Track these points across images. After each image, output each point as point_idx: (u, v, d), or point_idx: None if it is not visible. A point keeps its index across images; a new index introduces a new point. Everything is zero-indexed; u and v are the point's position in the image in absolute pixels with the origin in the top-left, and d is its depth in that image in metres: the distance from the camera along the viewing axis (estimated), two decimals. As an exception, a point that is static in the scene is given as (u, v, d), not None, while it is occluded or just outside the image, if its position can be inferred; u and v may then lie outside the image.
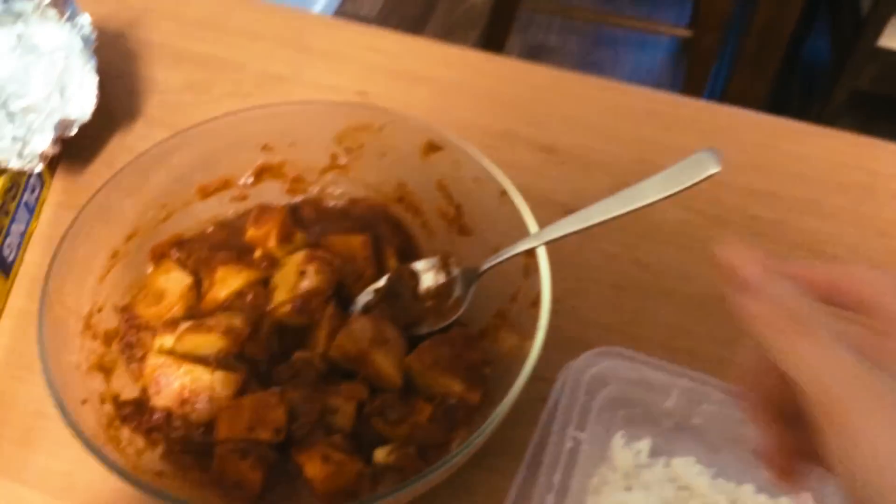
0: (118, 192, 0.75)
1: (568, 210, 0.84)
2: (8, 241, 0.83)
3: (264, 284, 0.75)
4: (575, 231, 0.64)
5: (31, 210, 0.88)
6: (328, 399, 0.67)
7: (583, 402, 0.64)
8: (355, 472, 0.64)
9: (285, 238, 0.77)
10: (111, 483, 0.62)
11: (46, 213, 0.90)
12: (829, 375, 0.34)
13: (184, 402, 0.66)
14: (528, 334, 0.67)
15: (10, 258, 0.84)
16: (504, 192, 0.72)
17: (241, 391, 0.68)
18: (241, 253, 0.76)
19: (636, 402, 0.67)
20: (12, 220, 0.84)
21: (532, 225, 0.70)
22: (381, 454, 0.66)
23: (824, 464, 0.35)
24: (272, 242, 0.76)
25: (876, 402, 0.33)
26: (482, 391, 0.68)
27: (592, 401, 0.65)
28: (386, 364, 0.68)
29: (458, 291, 0.73)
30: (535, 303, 0.67)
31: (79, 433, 0.59)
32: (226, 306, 0.72)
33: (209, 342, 0.69)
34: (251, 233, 0.77)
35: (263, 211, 0.77)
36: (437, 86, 1.03)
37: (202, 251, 0.77)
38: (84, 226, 0.71)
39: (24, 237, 0.87)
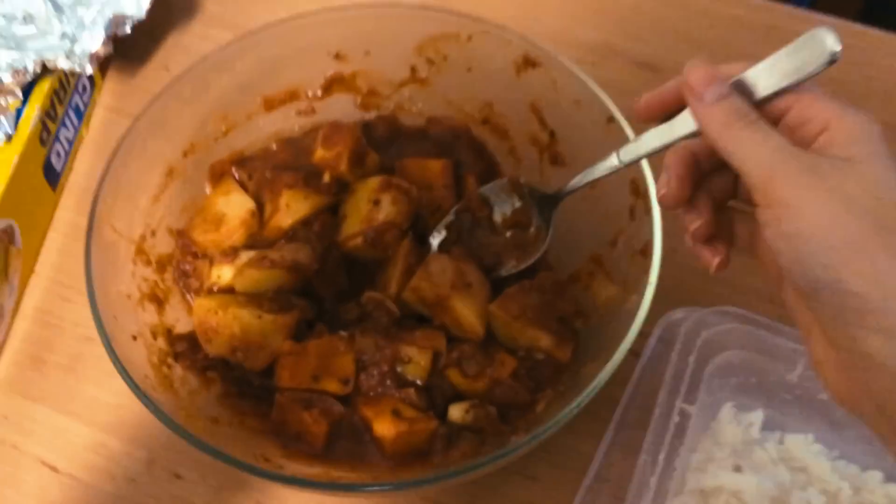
0: (176, 101, 0.67)
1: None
2: (56, 148, 0.76)
3: (333, 212, 0.67)
4: (679, 139, 0.48)
5: (81, 115, 0.81)
6: (401, 348, 0.60)
7: (693, 370, 0.56)
8: (428, 431, 0.57)
9: (357, 161, 0.68)
10: (167, 404, 0.56)
11: (97, 119, 0.83)
12: (765, 156, 0.39)
13: (234, 350, 0.59)
14: (632, 286, 0.58)
15: (59, 167, 0.77)
16: (612, 119, 0.62)
17: (299, 332, 0.61)
18: (307, 175, 0.67)
19: (752, 369, 0.58)
20: (61, 126, 0.77)
21: (644, 160, 0.60)
22: (456, 412, 0.59)
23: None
24: (343, 166, 0.67)
25: (802, 176, 0.38)
26: (573, 347, 0.60)
27: (704, 368, 0.57)
28: (467, 312, 0.60)
29: (537, 220, 0.64)
30: (645, 251, 0.58)
31: (128, 378, 0.53)
32: (290, 235, 0.65)
33: (272, 278, 0.62)
34: (320, 154, 0.68)
35: (335, 130, 0.69)
36: (526, -10, 0.91)
37: (265, 171, 0.69)
38: (138, 139, 0.64)
39: (74, 144, 0.80)
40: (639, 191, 0.60)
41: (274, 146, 0.72)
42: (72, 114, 0.79)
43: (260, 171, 0.69)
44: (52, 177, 0.76)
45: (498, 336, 0.62)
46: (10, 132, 0.71)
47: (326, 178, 0.68)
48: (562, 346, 0.60)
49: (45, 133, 0.74)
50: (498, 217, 0.66)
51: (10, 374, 0.69)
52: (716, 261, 0.47)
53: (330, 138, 0.68)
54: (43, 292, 0.73)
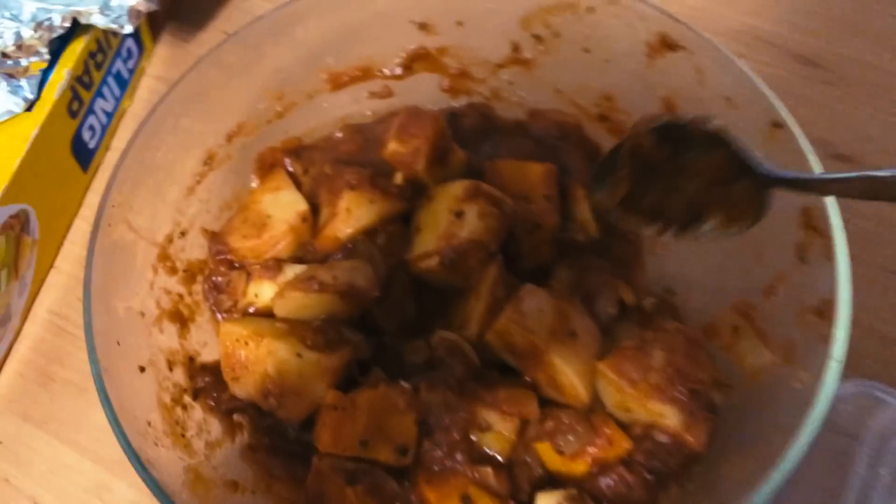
0: (220, 71, 0.54)
1: (836, 155, 0.62)
2: (89, 121, 0.65)
3: (404, 222, 0.54)
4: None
5: (125, 84, 0.69)
6: (478, 410, 0.46)
7: (887, 483, 0.40)
8: (509, 530, 0.43)
9: (438, 159, 0.54)
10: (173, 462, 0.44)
11: (144, 89, 0.72)
12: None
13: (266, 394, 0.46)
14: (799, 356, 0.43)
15: (93, 144, 0.66)
16: (778, 125, 0.47)
17: (350, 376, 0.48)
18: (376, 174, 0.54)
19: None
20: (97, 95, 0.65)
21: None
22: (546, 502, 0.45)
23: None
24: (420, 164, 0.53)
25: None
26: (709, 430, 0.45)
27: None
28: (568, 370, 0.46)
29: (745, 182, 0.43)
30: (823, 312, 0.42)
31: (117, 427, 0.41)
32: (348, 249, 0.51)
33: (320, 304, 0.48)
34: (393, 147, 0.54)
35: (413, 118, 0.55)
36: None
37: (325, 165, 0.56)
38: (169, 115, 0.52)
39: (113, 118, 0.68)
40: (813, 225, 0.44)
41: (339, 133, 0.59)
42: (112, 82, 0.67)
43: (319, 164, 0.57)
44: (84, 155, 0.65)
45: (607, 405, 0.47)
46: (30, 98, 0.59)
47: (398, 178, 0.54)
48: (694, 428, 0.44)
49: (77, 103, 0.63)
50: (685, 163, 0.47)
51: (13, 388, 0.58)
52: None
53: (406, 129, 0.54)
54: (61, 292, 0.62)
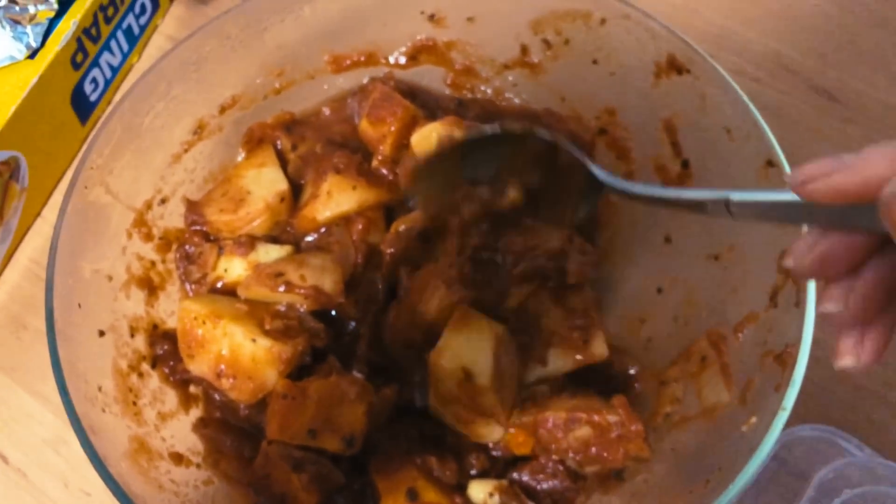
0: (220, 40, 0.53)
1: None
2: (93, 74, 0.64)
3: (386, 211, 0.53)
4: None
5: (135, 40, 0.69)
6: None
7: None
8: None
9: (407, 146, 0.53)
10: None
11: (153, 47, 0.71)
12: None
13: (219, 374, 0.46)
14: (753, 401, 0.42)
15: (94, 97, 0.66)
16: (772, 164, 0.46)
17: (302, 368, 0.48)
18: (365, 159, 0.53)
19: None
20: (103, 49, 0.65)
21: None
22: (478, 491, 0.45)
23: None
24: (387, 150, 0.53)
25: None
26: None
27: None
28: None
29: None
30: (783, 358, 0.41)
31: (62, 386, 0.41)
32: (324, 234, 0.51)
33: (284, 299, 0.48)
34: (363, 126, 0.54)
35: (385, 100, 0.53)
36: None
37: (317, 144, 0.55)
38: (161, 80, 0.51)
39: (119, 73, 0.68)
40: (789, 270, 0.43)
41: (326, 110, 0.58)
42: (121, 37, 0.67)
43: (310, 141, 0.56)
44: (84, 107, 0.65)
45: None
46: (34, 46, 0.59)
47: (375, 162, 0.53)
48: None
49: (81, 54, 0.63)
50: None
51: (-15, 332, 0.58)
52: (863, 358, 0.31)
53: (377, 110, 0.53)
54: (45, 241, 0.62)
